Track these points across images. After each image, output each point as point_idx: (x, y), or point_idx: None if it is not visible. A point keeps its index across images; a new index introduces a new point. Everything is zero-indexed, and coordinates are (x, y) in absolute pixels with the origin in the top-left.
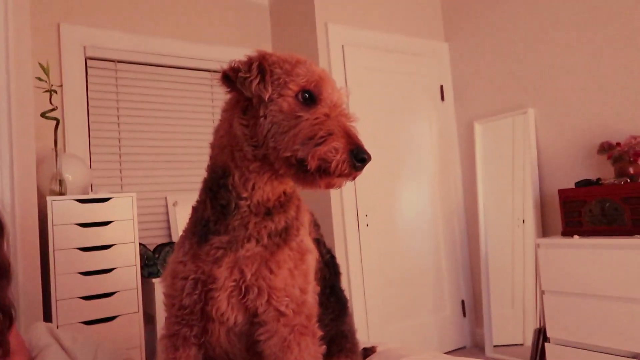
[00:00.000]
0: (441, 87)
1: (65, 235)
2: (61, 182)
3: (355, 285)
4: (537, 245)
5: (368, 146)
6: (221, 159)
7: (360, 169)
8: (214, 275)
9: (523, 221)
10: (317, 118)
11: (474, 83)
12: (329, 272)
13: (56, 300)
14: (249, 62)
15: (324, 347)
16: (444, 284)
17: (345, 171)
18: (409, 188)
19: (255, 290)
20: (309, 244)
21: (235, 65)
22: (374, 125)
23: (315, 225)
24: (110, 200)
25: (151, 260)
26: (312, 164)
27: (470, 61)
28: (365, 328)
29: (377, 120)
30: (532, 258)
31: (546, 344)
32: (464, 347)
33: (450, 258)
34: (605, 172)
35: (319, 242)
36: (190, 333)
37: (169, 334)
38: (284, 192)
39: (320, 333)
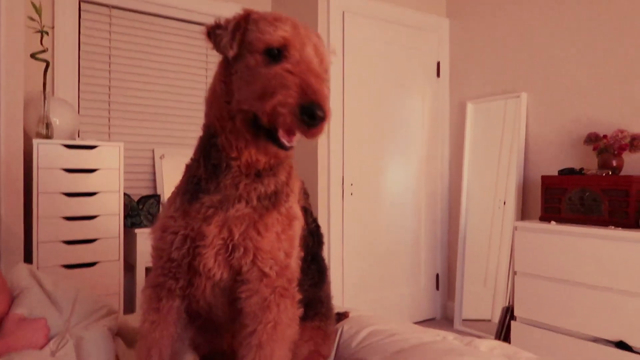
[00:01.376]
0: (438, 64)
1: (50, 179)
2: (48, 126)
3: (335, 253)
4: (515, 228)
5: (359, 116)
6: (210, 118)
7: (313, 125)
8: (203, 233)
9: (504, 203)
10: (276, 73)
11: (470, 62)
12: (313, 240)
13: (38, 243)
14: (230, 19)
15: (302, 309)
16: (420, 257)
17: (293, 126)
18: (396, 161)
19: (242, 249)
20: (297, 211)
21: (217, 22)
22: (367, 95)
23: (305, 194)
24: (97, 148)
25: (135, 211)
26: (264, 119)
27: (470, 40)
28: (341, 295)
29: (371, 91)
30: (508, 240)
31: (512, 322)
32: (434, 319)
33: (430, 233)
34: (590, 163)
35: (307, 211)
36: (176, 285)
37: (153, 284)
38: (275, 156)
39: (299, 296)
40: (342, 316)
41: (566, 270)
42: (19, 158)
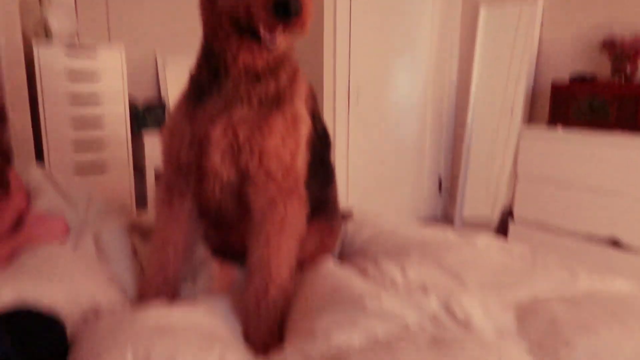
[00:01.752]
0: None
1: (54, 85)
2: (47, 30)
3: (340, 156)
4: (521, 133)
5: (366, 19)
6: (204, 24)
7: (287, 21)
8: (209, 135)
9: (512, 109)
10: None
11: None
12: (321, 144)
13: (48, 149)
14: None
15: (309, 209)
16: (424, 159)
17: (268, 23)
18: (404, 65)
19: (248, 151)
20: (303, 113)
21: None
22: None
23: (313, 98)
24: (99, 51)
25: (141, 120)
26: (242, 19)
27: None
28: (346, 197)
29: None
30: (513, 145)
31: (510, 222)
32: (435, 219)
33: (435, 137)
34: (603, 70)
35: (314, 115)
36: (186, 185)
37: (166, 185)
38: (274, 58)
39: (305, 196)
40: (347, 215)
41: (569, 173)
42: (20, 64)
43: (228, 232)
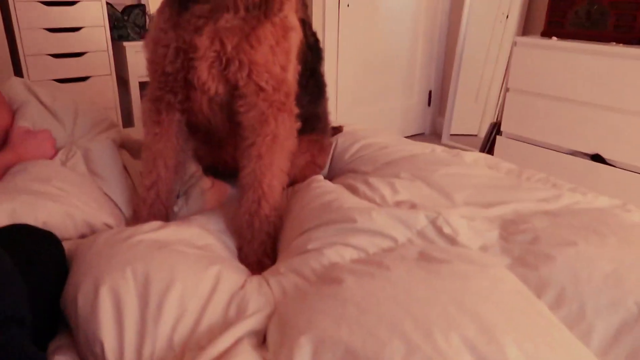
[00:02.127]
0: None
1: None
2: None
3: (329, 67)
4: (514, 43)
5: None
6: None
7: None
8: (195, 44)
9: (507, 17)
10: None
11: None
12: (312, 55)
13: (24, 56)
14: None
15: (299, 123)
16: (415, 73)
17: None
18: None
19: (237, 63)
20: (293, 21)
21: None
22: None
23: (303, 4)
24: None
25: (120, 22)
26: None
27: None
28: (335, 110)
29: None
30: (506, 56)
31: (498, 137)
32: (423, 134)
33: (427, 48)
34: None
35: (305, 23)
36: (174, 99)
37: (152, 98)
38: None
39: (297, 111)
40: (336, 130)
41: (560, 87)
42: None
43: (219, 148)
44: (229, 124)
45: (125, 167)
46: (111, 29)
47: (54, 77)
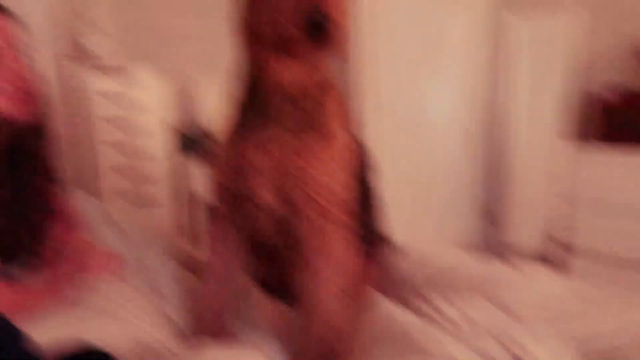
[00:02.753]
0: None
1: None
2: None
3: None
4: (572, 158)
5: (395, 35)
6: (240, 41)
7: (317, 38)
8: (250, 161)
9: (553, 126)
10: None
11: None
12: (366, 169)
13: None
14: None
15: (357, 240)
16: (463, 183)
17: (299, 39)
18: (440, 84)
19: (290, 178)
20: (345, 136)
21: None
22: (406, 9)
23: (355, 121)
24: (139, 78)
25: (185, 145)
26: (276, 37)
27: None
28: (387, 224)
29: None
30: (558, 165)
31: (561, 250)
32: (478, 249)
33: (479, 158)
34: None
35: (358, 140)
36: (235, 216)
37: (215, 216)
38: (314, 79)
39: (353, 227)
40: (392, 246)
41: (625, 197)
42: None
43: (276, 265)
44: (286, 240)
45: (187, 286)
46: (176, 149)
47: (125, 199)
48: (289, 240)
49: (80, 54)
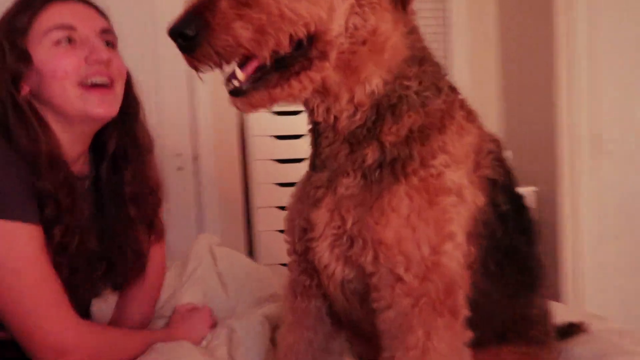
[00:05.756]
0: None
1: (262, 147)
2: None
3: (576, 235)
4: None
5: (614, 52)
6: None
7: (185, 50)
8: (312, 221)
9: None
10: None
11: None
12: (506, 227)
13: (256, 208)
14: None
15: (470, 333)
16: None
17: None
18: None
19: (360, 242)
20: (452, 179)
21: None
22: (628, 23)
23: (495, 158)
24: (302, 113)
25: None
26: None
27: None
28: (580, 294)
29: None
30: None
31: None
32: None
33: None
34: None
35: (496, 184)
36: (311, 282)
37: (289, 280)
38: (370, 106)
39: (466, 313)
40: (576, 328)
41: None
42: (233, 127)
43: (365, 340)
44: (369, 318)
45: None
46: None
47: (278, 229)
48: (371, 315)
49: None
